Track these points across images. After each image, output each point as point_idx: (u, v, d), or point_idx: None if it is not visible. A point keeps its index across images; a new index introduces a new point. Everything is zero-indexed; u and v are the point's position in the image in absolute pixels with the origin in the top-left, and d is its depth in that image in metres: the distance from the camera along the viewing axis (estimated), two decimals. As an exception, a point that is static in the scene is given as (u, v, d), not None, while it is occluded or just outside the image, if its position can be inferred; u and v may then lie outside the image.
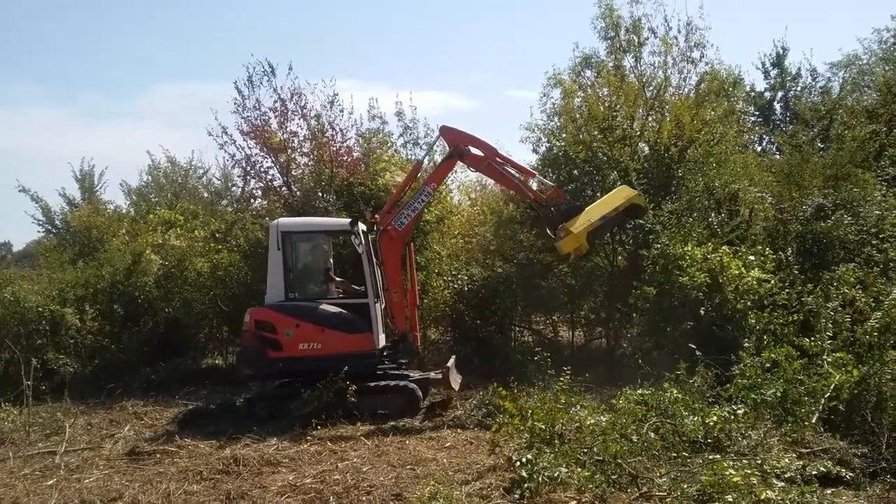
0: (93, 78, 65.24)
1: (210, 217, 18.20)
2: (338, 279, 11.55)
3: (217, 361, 15.90)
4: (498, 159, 10.90)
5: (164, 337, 14.16)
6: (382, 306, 10.94)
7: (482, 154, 10.84)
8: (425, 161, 14.46)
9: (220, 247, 15.79)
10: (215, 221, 17.22)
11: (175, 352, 14.19)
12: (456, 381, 10.76)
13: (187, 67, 66.32)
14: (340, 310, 10.60)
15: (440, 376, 10.69)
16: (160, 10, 67.19)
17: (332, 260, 11.82)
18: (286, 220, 11.41)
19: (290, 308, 10.44)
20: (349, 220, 11.09)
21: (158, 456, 8.16)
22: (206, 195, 25.91)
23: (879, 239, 10.90)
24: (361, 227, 11.03)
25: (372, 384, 10.25)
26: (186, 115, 62.51)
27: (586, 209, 10.78)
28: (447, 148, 11.17)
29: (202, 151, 33.40)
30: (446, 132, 10.99)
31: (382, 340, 10.88)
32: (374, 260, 10.87)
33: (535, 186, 11.55)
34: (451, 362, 10.93)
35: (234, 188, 23.41)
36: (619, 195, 11.17)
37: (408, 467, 7.51)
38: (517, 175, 11.06)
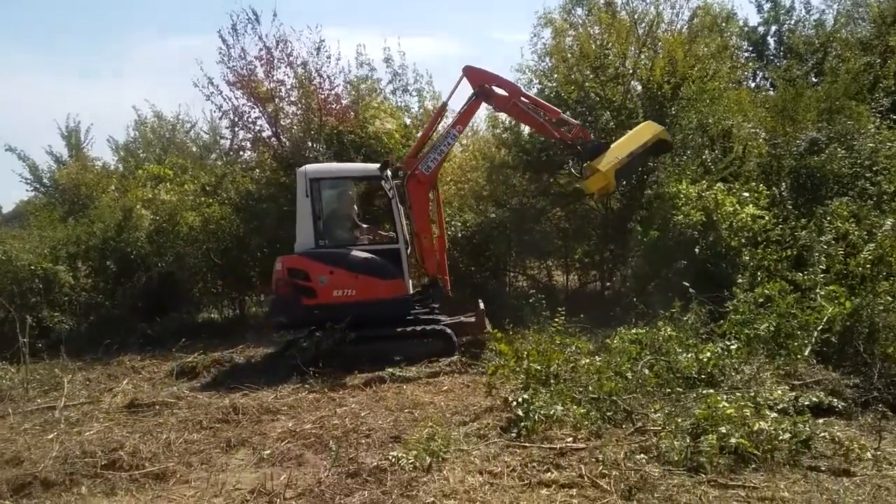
0: (75, 33, 64.10)
1: (200, 171, 18.01)
2: (364, 225, 11.47)
3: (213, 315, 15.92)
4: (523, 98, 10.79)
5: (158, 292, 14.08)
6: (409, 251, 10.91)
7: (507, 94, 10.71)
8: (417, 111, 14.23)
9: (210, 200, 15.66)
10: (205, 175, 17.05)
11: (170, 306, 14.13)
12: (487, 322, 10.73)
13: (173, 21, 65.06)
14: (373, 256, 10.51)
15: (473, 319, 10.60)
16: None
17: (356, 206, 11.65)
18: (314, 167, 11.26)
19: (323, 255, 10.34)
20: (378, 164, 10.90)
21: (157, 407, 8.18)
22: (194, 149, 25.58)
23: (873, 172, 10.88)
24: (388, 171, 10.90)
25: (409, 329, 10.26)
26: (173, 69, 61.42)
27: (612, 146, 10.66)
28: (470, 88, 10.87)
29: (189, 105, 32.93)
30: (470, 72, 10.75)
31: (411, 286, 10.87)
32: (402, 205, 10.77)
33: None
34: (481, 305, 10.86)
35: (222, 141, 23.15)
36: (646, 131, 11.00)
37: (405, 411, 7.55)
38: (542, 114, 10.93)
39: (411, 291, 10.76)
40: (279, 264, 10.40)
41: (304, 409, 7.94)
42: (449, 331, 10.31)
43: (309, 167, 11.00)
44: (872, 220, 8.88)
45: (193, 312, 15.18)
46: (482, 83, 10.65)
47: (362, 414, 7.49)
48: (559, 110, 11.21)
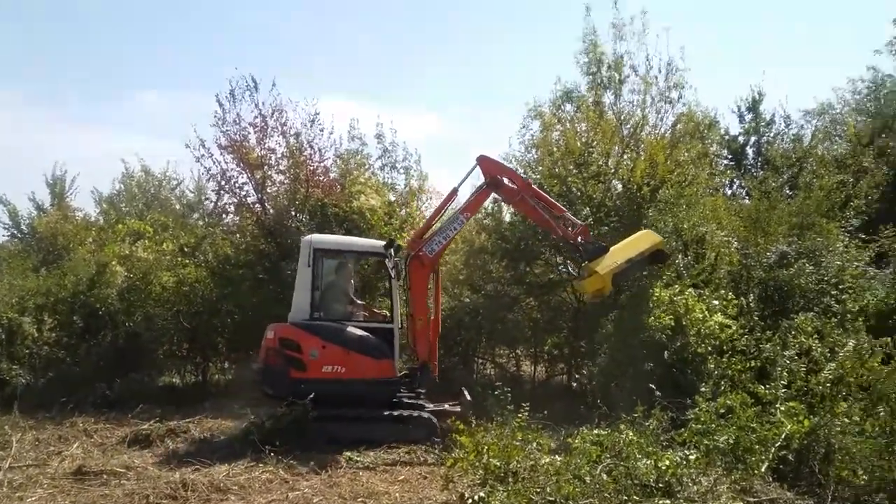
0: (73, 81, 64.73)
1: (180, 230, 18.04)
2: (358, 301, 11.47)
3: (174, 380, 15.67)
4: (531, 193, 10.99)
5: (121, 351, 13.89)
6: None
7: (516, 187, 10.94)
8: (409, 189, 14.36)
9: (187, 261, 15.64)
10: (185, 235, 17.07)
11: (132, 367, 13.93)
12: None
13: (171, 77, 66.00)
14: (366, 334, 10.47)
15: (457, 409, 10.42)
16: (142, 18, 67.14)
17: (353, 281, 11.69)
18: (319, 237, 11.28)
19: (317, 328, 10.29)
20: (385, 242, 11.02)
21: (105, 477, 8.00)
22: (178, 207, 25.69)
23: (839, 290, 11.06)
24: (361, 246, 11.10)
25: (395, 413, 10.16)
26: (167, 125, 62.08)
27: (612, 250, 10.83)
28: (481, 177, 11.17)
29: (178, 163, 33.15)
30: (483, 162, 11.00)
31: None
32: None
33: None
34: (467, 394, 10.76)
35: (206, 202, 23.29)
36: (645, 239, 11.24)
37: (359, 500, 7.45)
38: (548, 211, 11.13)
39: (399, 374, 10.68)
40: (271, 332, 10.30)
41: (256, 490, 7.79)
42: (433, 418, 10.17)
43: (314, 237, 11.02)
44: (835, 339, 8.99)
45: (155, 375, 14.94)
46: (494, 174, 10.89)
47: (314, 500, 7.38)
48: (564, 208, 11.44)
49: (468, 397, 10.50)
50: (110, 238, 17.70)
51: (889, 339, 8.37)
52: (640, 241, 11.15)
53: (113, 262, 15.17)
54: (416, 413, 10.22)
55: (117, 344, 13.87)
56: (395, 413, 10.17)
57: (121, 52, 64.13)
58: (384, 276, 14.18)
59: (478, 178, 11.48)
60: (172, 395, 13.59)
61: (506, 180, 10.92)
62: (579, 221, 11.31)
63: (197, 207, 25.10)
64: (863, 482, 6.68)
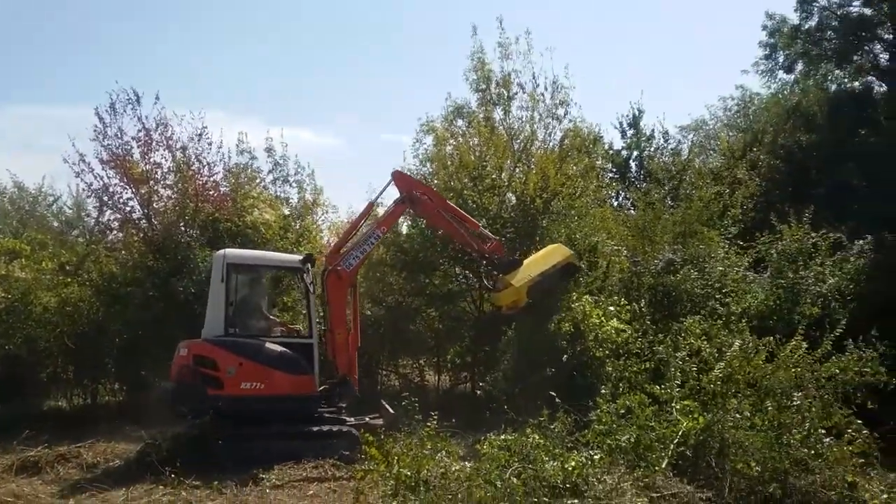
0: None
1: (60, 248, 17.13)
2: (271, 317, 11.21)
3: (60, 403, 14.86)
4: (445, 208, 11.26)
5: (2, 376, 13.08)
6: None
7: (432, 202, 11.14)
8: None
9: (69, 280, 14.88)
10: (66, 253, 16.24)
11: (14, 392, 13.13)
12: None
13: (40, 90, 62.59)
14: (285, 349, 10.24)
15: (380, 421, 10.30)
16: (11, 27, 63.29)
17: (267, 297, 11.45)
18: (234, 252, 11.00)
19: (234, 344, 10.00)
20: (301, 256, 10.91)
21: (-9, 508, 7.51)
22: (56, 224, 24.40)
23: (722, 293, 11.75)
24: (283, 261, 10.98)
25: (315, 428, 9.97)
26: (36, 138, 58.72)
27: (525, 263, 11.27)
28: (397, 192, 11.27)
29: (54, 178, 31.58)
30: (399, 178, 11.26)
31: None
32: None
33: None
34: (387, 406, 10.65)
35: (87, 218, 22.25)
36: (556, 253, 11.67)
37: (268, 517, 7.28)
38: (462, 225, 11.38)
39: (320, 388, 10.51)
40: (184, 350, 9.97)
41: (158, 512, 7.49)
42: (355, 432, 9.89)
43: (228, 252, 10.78)
44: (722, 339, 9.51)
45: (40, 399, 14.11)
46: (409, 189, 11.07)
47: (221, 520, 7.15)
48: (478, 223, 11.76)
49: (389, 409, 10.46)
50: (-19, 257, 16.59)
51: (771, 338, 8.94)
52: (552, 255, 11.61)
53: (-12, 283, 14.25)
54: (337, 427, 10.11)
55: (-3, 368, 13.02)
56: (317, 429, 10.02)
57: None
58: (286, 291, 14.11)
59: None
60: (60, 420, 12.89)
61: (421, 195, 11.11)
62: (493, 236, 11.67)
63: (76, 224, 23.91)
64: (756, 473, 7.07)
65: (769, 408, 7.85)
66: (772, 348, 8.82)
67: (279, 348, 10.27)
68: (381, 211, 12.31)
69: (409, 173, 12.80)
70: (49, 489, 8.43)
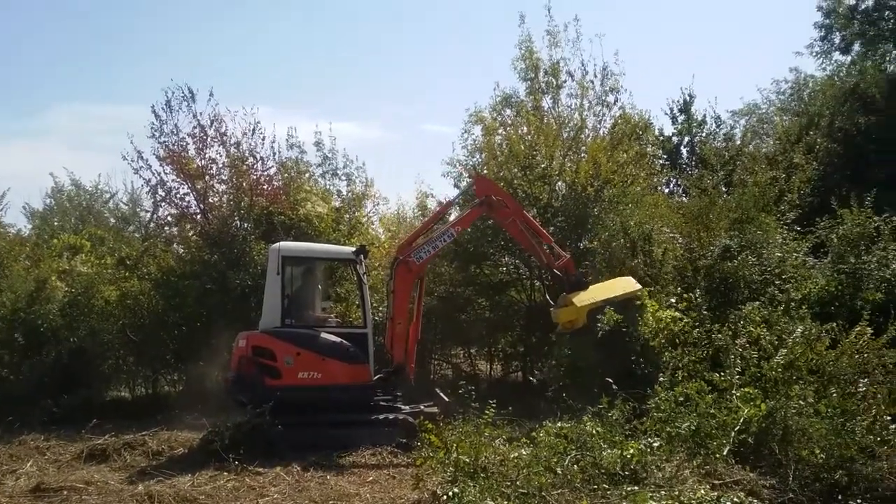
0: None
1: (119, 243, 17.59)
2: (326, 308, 11.45)
3: (123, 394, 15.29)
4: (521, 219, 11.24)
5: (67, 367, 13.53)
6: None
7: (509, 209, 11.15)
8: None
9: (129, 274, 15.29)
10: (125, 248, 16.68)
11: (78, 383, 13.55)
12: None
13: (94, 88, 64.10)
14: (340, 339, 10.43)
15: (435, 409, 10.25)
16: (65, 27, 64.97)
17: (321, 287, 11.62)
18: (288, 245, 11.25)
19: (291, 335, 10.22)
20: (354, 248, 11.08)
21: (66, 493, 7.75)
22: (112, 220, 25.04)
23: (781, 279, 11.51)
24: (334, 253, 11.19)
25: (372, 417, 10.14)
26: (92, 136, 60.20)
27: (592, 287, 11.07)
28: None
29: (110, 175, 32.35)
30: (480, 181, 11.52)
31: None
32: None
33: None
34: (441, 394, 10.77)
35: (143, 213, 22.82)
36: (626, 284, 11.19)
37: (330, 502, 7.40)
38: (535, 237, 11.42)
39: (374, 378, 10.62)
40: (243, 341, 10.21)
41: (224, 498, 7.67)
42: (411, 420, 9.93)
43: (283, 245, 10.98)
44: (783, 326, 9.35)
45: (103, 390, 14.55)
46: (488, 193, 11.11)
47: (285, 505, 7.30)
48: (552, 238, 11.70)
49: (444, 397, 10.52)
50: (46, 253, 17.15)
51: (834, 324, 8.76)
52: (622, 285, 11.20)
53: (52, 278, 14.75)
54: (393, 415, 10.23)
55: (62, 360, 13.49)
56: (374, 416, 10.16)
57: (34, 65, 61.80)
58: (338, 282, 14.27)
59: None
60: (123, 409, 13.32)
61: (499, 201, 11.11)
62: (565, 253, 11.55)
63: (132, 220, 24.54)
64: (821, 460, 6.95)
65: (833, 394, 7.71)
66: (835, 335, 8.64)
67: (335, 338, 10.42)
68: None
69: (486, 176, 12.78)
70: (118, 476, 8.67)
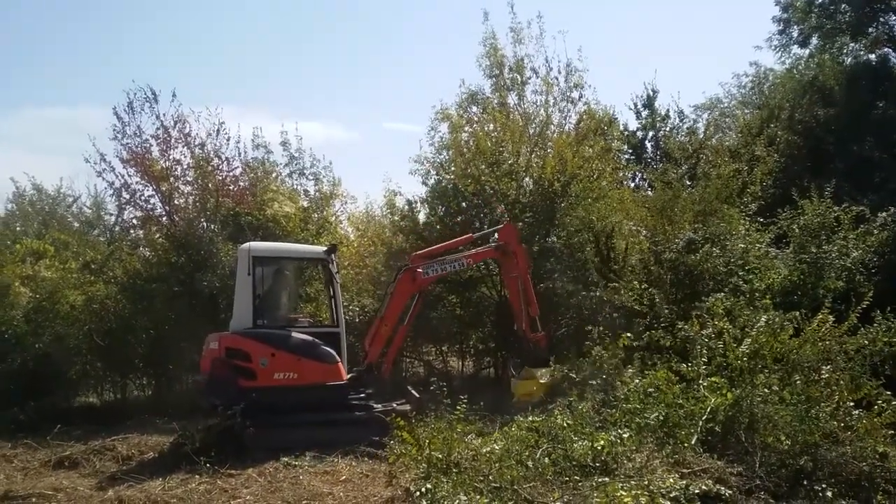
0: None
1: (84, 247, 17.33)
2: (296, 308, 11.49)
3: (91, 399, 15.09)
4: (523, 278, 11.47)
5: (33, 374, 13.29)
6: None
7: (519, 266, 11.43)
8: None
9: (94, 278, 15.08)
10: (90, 252, 16.44)
11: (45, 389, 13.35)
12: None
13: (50, 91, 62.97)
14: (314, 339, 10.39)
15: (408, 406, 10.27)
16: (22, 31, 63.65)
17: (290, 288, 11.60)
18: (258, 245, 11.22)
19: (265, 336, 10.13)
20: (325, 247, 11.04)
21: (34, 500, 7.65)
22: (76, 225, 24.63)
23: (745, 270, 11.72)
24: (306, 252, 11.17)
25: (344, 416, 10.15)
26: (52, 140, 59.12)
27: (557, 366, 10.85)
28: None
29: (73, 178, 31.85)
30: (507, 228, 11.77)
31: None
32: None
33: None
34: (413, 391, 10.76)
35: (108, 217, 22.50)
36: None
37: (303, 502, 7.39)
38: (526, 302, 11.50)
39: (348, 376, 10.60)
40: (215, 343, 10.08)
41: (195, 501, 7.62)
42: (383, 417, 9.95)
43: (253, 245, 10.93)
44: (746, 317, 9.51)
45: (70, 396, 14.35)
46: (509, 241, 11.45)
47: (258, 506, 7.27)
48: (538, 311, 11.76)
49: (415, 395, 10.53)
50: (8, 259, 16.80)
51: (797, 313, 8.94)
52: None
53: (16, 283, 14.47)
54: (366, 414, 10.24)
55: (27, 366, 13.27)
56: (346, 416, 10.18)
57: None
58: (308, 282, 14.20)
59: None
60: (91, 415, 13.12)
61: (513, 253, 11.43)
62: (541, 330, 11.72)
63: (97, 224, 24.15)
64: (786, 447, 7.10)
65: (797, 382, 7.87)
66: (798, 323, 8.82)
67: (308, 338, 10.39)
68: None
69: (516, 226, 12.53)
70: (87, 482, 8.55)
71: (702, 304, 10.27)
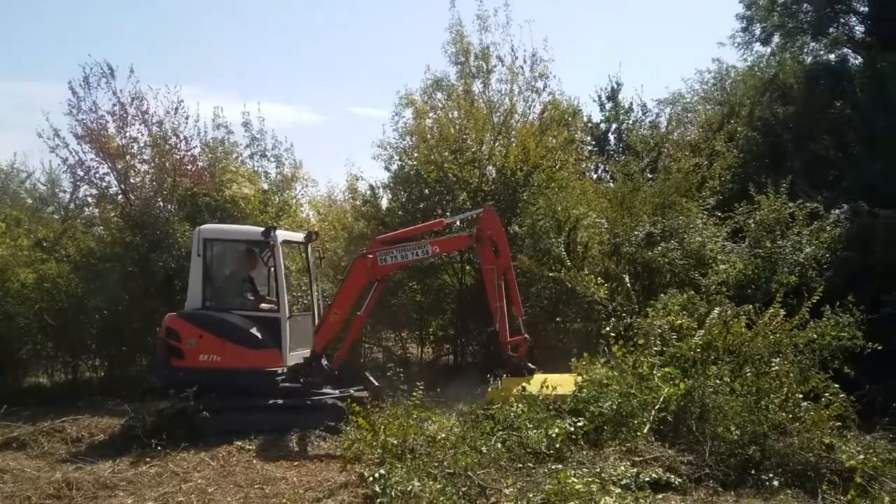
0: None
1: (36, 224, 16.88)
2: (260, 292, 11.05)
3: (41, 380, 14.76)
4: (505, 275, 10.10)
5: (-21, 353, 12.93)
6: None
7: (500, 258, 10.06)
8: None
9: (46, 256, 14.70)
10: (42, 229, 16.03)
11: (-7, 369, 13.02)
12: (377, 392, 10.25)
13: (7, 66, 61.25)
14: (248, 323, 10.26)
15: (365, 393, 10.12)
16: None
17: (251, 271, 11.19)
18: (209, 227, 11.17)
19: (197, 317, 10.20)
20: (262, 228, 10.59)
21: (-21, 482, 7.48)
22: (29, 201, 24.01)
23: (702, 264, 11.88)
24: (282, 237, 10.72)
25: (299, 401, 10.07)
26: (4, 114, 57.60)
27: (536, 377, 9.56)
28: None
29: (27, 154, 31.05)
30: (488, 217, 10.19)
31: (294, 358, 10.45)
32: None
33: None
34: (371, 378, 10.42)
35: (62, 194, 21.96)
36: (568, 383, 9.23)
37: (256, 487, 7.34)
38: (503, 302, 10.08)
39: (290, 364, 10.40)
40: (162, 323, 10.25)
41: (146, 484, 7.53)
42: (339, 403, 9.82)
43: (204, 227, 10.91)
44: (702, 312, 9.64)
45: (20, 376, 14.01)
46: (488, 231, 10.09)
47: (209, 490, 7.22)
48: (522, 311, 10.41)
49: (374, 381, 10.34)
50: (-45, 235, 16.33)
51: (750, 306, 9.09)
52: (564, 383, 9.16)
53: (-37, 261, 14.02)
54: (322, 399, 10.17)
55: (-26, 346, 12.89)
56: (303, 401, 10.10)
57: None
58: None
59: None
60: (41, 396, 12.84)
61: (491, 242, 10.09)
62: (524, 334, 10.22)
63: (51, 201, 23.57)
64: (735, 437, 7.26)
65: (748, 374, 8.04)
66: (751, 316, 8.98)
67: (240, 322, 10.26)
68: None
69: (496, 214, 10.88)
70: (35, 463, 8.39)
71: (657, 299, 10.36)
